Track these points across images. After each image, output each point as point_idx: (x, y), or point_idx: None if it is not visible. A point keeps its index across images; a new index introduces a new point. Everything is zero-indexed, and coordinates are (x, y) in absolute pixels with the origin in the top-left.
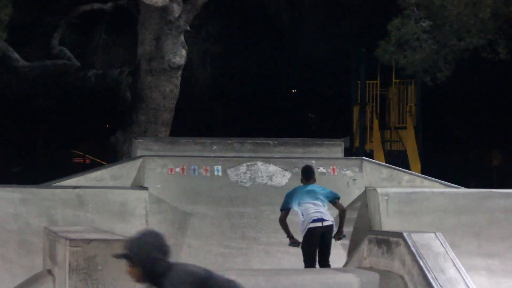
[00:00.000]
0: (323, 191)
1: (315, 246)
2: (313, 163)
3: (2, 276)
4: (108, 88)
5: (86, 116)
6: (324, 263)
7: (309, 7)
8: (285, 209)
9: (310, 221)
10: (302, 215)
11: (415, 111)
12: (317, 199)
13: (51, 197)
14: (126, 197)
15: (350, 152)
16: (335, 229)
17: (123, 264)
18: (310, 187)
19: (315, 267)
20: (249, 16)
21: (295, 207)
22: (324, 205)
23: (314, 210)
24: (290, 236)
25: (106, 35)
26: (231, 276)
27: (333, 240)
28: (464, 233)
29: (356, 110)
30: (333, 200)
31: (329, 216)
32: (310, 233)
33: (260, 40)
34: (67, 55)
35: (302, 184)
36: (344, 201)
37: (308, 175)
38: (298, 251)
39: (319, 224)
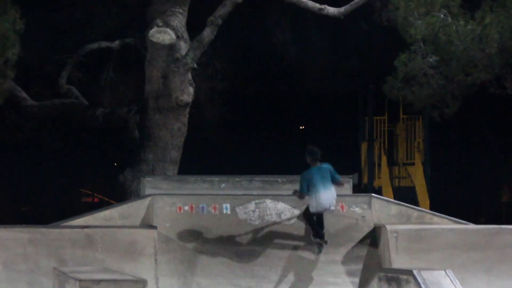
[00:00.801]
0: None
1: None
2: None
3: None
4: (116, 126)
5: (94, 154)
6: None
7: (316, 43)
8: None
9: (320, 207)
10: (314, 198)
11: (423, 147)
12: (324, 177)
13: (60, 237)
14: (135, 236)
15: (358, 188)
16: None
17: None
18: (318, 168)
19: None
20: (256, 53)
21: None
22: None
23: (324, 198)
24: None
25: (114, 73)
26: None
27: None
28: (474, 270)
29: (364, 146)
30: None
31: (334, 196)
32: (316, 214)
33: (267, 76)
34: (75, 94)
35: (311, 166)
36: (353, 238)
37: (315, 156)
38: None
39: (325, 208)
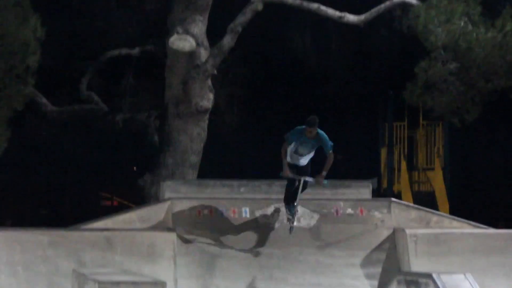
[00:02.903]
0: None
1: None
2: (341, 204)
3: None
4: (136, 132)
5: (114, 158)
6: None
7: (336, 50)
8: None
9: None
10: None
11: (443, 153)
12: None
13: (79, 240)
14: (154, 239)
15: (378, 193)
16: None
17: None
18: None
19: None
20: (276, 59)
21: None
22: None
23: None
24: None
25: (134, 80)
26: None
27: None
28: (494, 274)
29: (383, 151)
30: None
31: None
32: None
33: (287, 82)
34: (95, 100)
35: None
36: (372, 242)
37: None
38: None
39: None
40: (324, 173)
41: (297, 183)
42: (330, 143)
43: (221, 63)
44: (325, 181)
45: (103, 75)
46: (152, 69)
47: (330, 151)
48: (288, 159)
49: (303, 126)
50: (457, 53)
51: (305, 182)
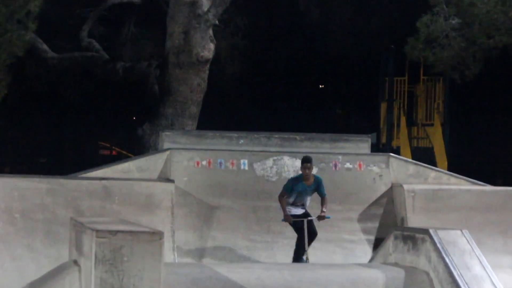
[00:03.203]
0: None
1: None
2: (339, 158)
3: (28, 265)
4: (136, 81)
5: (113, 107)
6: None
7: (339, 3)
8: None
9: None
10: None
11: (442, 108)
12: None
13: (77, 188)
14: (152, 189)
15: (376, 148)
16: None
17: (148, 255)
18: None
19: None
20: (278, 11)
21: None
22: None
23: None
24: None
25: (135, 28)
26: (257, 270)
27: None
28: (491, 231)
29: (383, 106)
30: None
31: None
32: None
33: (288, 35)
34: (96, 48)
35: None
36: (370, 197)
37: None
38: (324, 246)
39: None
40: (325, 210)
41: (303, 224)
42: (324, 188)
43: (223, 13)
44: (328, 216)
45: (104, 23)
46: (154, 18)
47: (326, 195)
48: (292, 210)
49: (296, 175)
50: (459, 8)
51: (310, 222)
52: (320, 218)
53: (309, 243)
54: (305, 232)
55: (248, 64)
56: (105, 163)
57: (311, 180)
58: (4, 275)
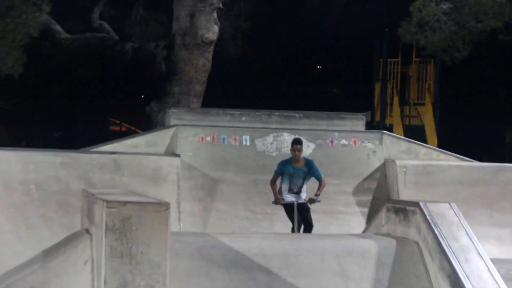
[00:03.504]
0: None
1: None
2: (336, 135)
3: (42, 233)
4: (144, 61)
5: (123, 86)
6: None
7: None
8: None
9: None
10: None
11: (433, 89)
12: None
13: (89, 162)
14: (159, 163)
15: (371, 126)
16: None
17: (155, 225)
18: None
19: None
20: None
21: None
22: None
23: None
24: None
25: (144, 11)
26: (258, 239)
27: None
28: (477, 204)
29: (377, 86)
30: None
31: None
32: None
33: (289, 18)
34: (106, 29)
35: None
36: (364, 172)
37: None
38: (321, 218)
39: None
40: (319, 193)
41: (294, 208)
42: (319, 170)
43: None
44: (318, 200)
45: (115, 5)
46: (161, 1)
47: (322, 176)
48: (288, 198)
49: (285, 158)
50: None
51: (300, 207)
52: (311, 201)
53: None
54: (295, 216)
55: (250, 45)
56: (115, 138)
57: (302, 162)
58: (20, 242)
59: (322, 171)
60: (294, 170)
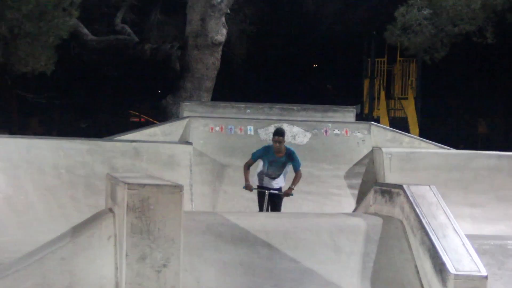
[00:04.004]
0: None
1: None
2: (329, 126)
3: (71, 212)
4: (160, 60)
5: (142, 82)
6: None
7: None
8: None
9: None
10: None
11: (415, 85)
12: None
13: (112, 149)
14: (174, 150)
15: (360, 117)
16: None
17: (170, 204)
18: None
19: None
20: (280, 2)
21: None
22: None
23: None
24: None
25: (160, 15)
26: (261, 218)
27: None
28: (454, 187)
29: (366, 82)
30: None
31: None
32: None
33: (288, 22)
34: (128, 32)
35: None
36: (354, 158)
37: (280, 132)
38: (316, 199)
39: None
40: (293, 186)
41: (265, 197)
42: (299, 162)
43: (234, 3)
44: (292, 193)
45: (135, 11)
46: (176, 7)
47: (299, 169)
48: (265, 182)
49: (270, 144)
50: (430, 1)
51: (274, 195)
52: (285, 194)
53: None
54: (264, 205)
55: (254, 46)
56: (135, 128)
57: (282, 153)
58: (52, 220)
59: (317, 158)
60: (274, 158)
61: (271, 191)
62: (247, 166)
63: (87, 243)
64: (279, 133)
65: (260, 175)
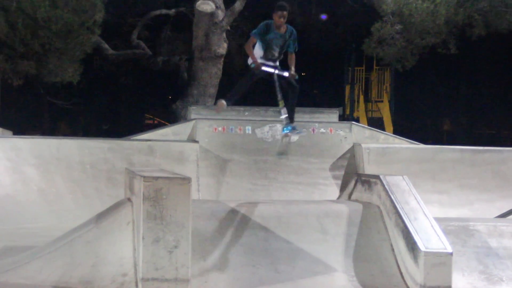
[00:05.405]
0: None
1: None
2: (316, 125)
3: (95, 202)
4: (171, 70)
5: (155, 90)
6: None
7: (316, 14)
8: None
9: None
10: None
11: (389, 90)
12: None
13: (130, 147)
14: (183, 147)
15: (342, 118)
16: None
17: (180, 194)
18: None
19: None
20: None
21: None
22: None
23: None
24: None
25: (170, 32)
26: (258, 204)
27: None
28: (423, 176)
29: (347, 88)
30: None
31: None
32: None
33: None
34: (142, 46)
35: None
36: (338, 153)
37: (283, 6)
38: (305, 188)
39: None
40: (293, 68)
41: (274, 77)
42: (297, 44)
43: (233, 21)
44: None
45: (149, 28)
46: (183, 25)
47: (293, 52)
48: (265, 62)
49: (269, 21)
50: (401, 18)
51: (280, 77)
52: (291, 75)
53: (293, 97)
54: (276, 85)
55: None
56: (149, 129)
57: (284, 29)
58: (78, 208)
59: (306, 153)
60: (275, 35)
61: (278, 72)
62: (252, 46)
63: (109, 228)
64: (283, 7)
65: (259, 56)
